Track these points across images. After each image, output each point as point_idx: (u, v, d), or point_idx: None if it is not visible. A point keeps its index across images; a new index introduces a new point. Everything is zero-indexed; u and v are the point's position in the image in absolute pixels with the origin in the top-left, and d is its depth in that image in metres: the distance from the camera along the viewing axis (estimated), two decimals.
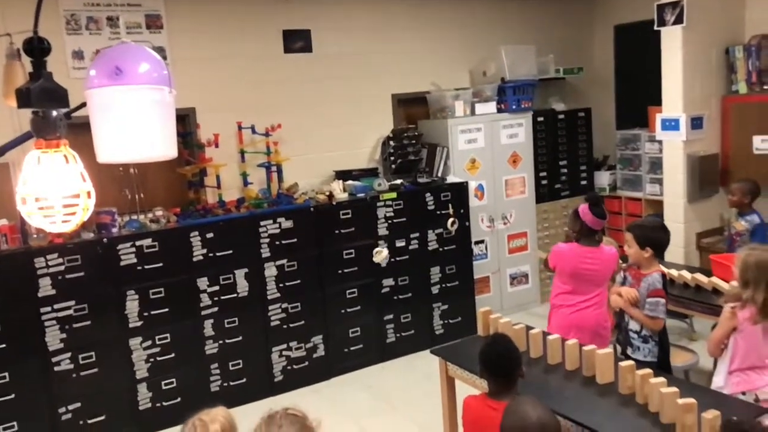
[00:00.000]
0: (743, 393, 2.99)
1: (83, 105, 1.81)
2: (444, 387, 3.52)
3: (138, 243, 4.31)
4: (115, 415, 4.29)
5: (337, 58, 5.57)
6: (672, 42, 5.32)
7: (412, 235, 5.31)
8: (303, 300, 4.88)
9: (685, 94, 5.33)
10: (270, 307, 4.77)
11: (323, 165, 5.51)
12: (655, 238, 3.46)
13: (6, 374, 3.99)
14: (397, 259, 5.22)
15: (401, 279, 5.28)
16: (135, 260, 4.30)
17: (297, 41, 5.40)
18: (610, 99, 6.91)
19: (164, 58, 1.97)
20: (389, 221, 5.20)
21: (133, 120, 1.74)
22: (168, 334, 4.42)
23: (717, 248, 5.22)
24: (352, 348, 5.12)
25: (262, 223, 4.71)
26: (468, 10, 6.21)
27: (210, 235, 4.53)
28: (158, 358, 4.40)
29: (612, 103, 6.90)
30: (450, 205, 5.46)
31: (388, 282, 5.22)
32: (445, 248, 5.47)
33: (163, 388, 4.43)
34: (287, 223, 4.79)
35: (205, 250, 4.52)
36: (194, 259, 4.50)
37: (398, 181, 5.42)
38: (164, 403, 4.43)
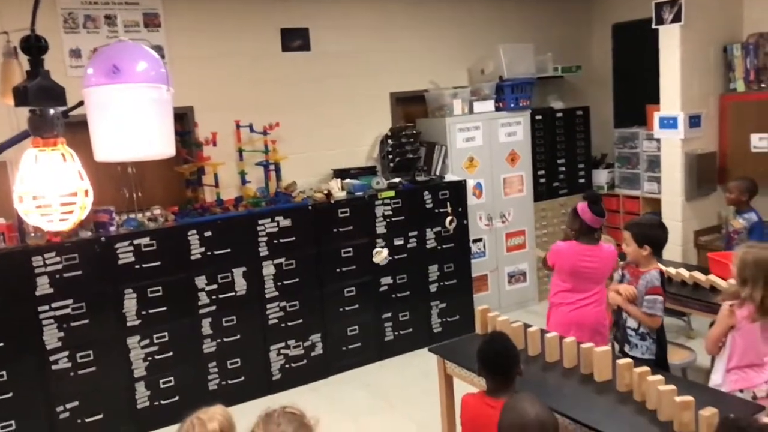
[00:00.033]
0: (741, 391, 2.99)
1: (81, 103, 1.81)
2: (442, 385, 3.52)
3: (136, 242, 4.30)
4: (112, 413, 4.29)
5: (336, 57, 5.56)
6: (670, 40, 5.33)
7: (410, 234, 5.31)
8: (301, 298, 4.88)
9: (683, 93, 5.34)
10: (268, 306, 4.77)
11: (321, 163, 5.51)
12: (653, 236, 3.46)
13: (4, 373, 3.98)
14: (396, 257, 5.22)
15: (399, 277, 5.28)
16: (133, 259, 4.30)
17: (295, 40, 5.39)
18: (608, 97, 6.91)
19: (162, 56, 1.96)
20: (387, 220, 5.20)
21: (130, 118, 1.73)
22: (166, 333, 4.42)
23: (715, 246, 5.23)
24: (350, 346, 5.12)
25: (260, 222, 4.71)
26: (466, 9, 6.21)
27: (208, 234, 4.53)
28: (156, 357, 4.40)
29: (610, 101, 6.91)
30: (448, 204, 5.46)
31: (387, 280, 5.22)
32: (444, 246, 5.47)
33: (161, 386, 4.43)
34: (285, 222, 4.79)
35: (203, 249, 4.52)
36: (192, 258, 4.49)
37: (396, 180, 5.42)
38: (162, 402, 4.43)
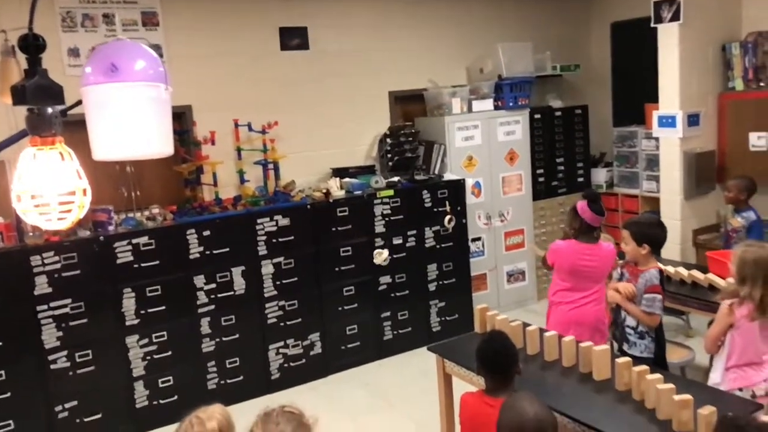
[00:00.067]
0: (740, 389, 2.99)
1: (79, 102, 1.80)
2: (441, 384, 3.52)
3: (134, 241, 4.30)
4: (111, 413, 4.28)
5: (334, 56, 5.56)
6: (669, 39, 5.32)
7: (409, 233, 5.31)
8: (300, 297, 4.88)
9: (681, 91, 5.34)
10: (267, 305, 4.77)
11: (320, 162, 5.51)
12: (652, 234, 3.46)
13: (2, 372, 3.98)
14: (395, 256, 5.22)
15: (398, 276, 5.28)
16: (131, 258, 4.29)
17: (294, 38, 5.38)
18: (607, 96, 6.91)
19: (160, 55, 1.96)
20: (386, 219, 5.19)
21: (129, 117, 1.73)
22: (165, 332, 4.41)
23: (713, 245, 5.24)
24: (349, 345, 5.12)
25: (258, 221, 4.71)
26: (465, 8, 6.21)
27: (207, 233, 4.52)
28: (155, 356, 4.40)
29: (609, 100, 6.91)
30: (447, 203, 5.46)
31: (385, 279, 5.22)
32: (442, 245, 5.47)
33: (160, 386, 4.43)
34: (284, 221, 4.78)
35: (201, 248, 4.51)
36: (191, 257, 4.49)
37: (395, 179, 5.41)
38: (161, 401, 4.43)
